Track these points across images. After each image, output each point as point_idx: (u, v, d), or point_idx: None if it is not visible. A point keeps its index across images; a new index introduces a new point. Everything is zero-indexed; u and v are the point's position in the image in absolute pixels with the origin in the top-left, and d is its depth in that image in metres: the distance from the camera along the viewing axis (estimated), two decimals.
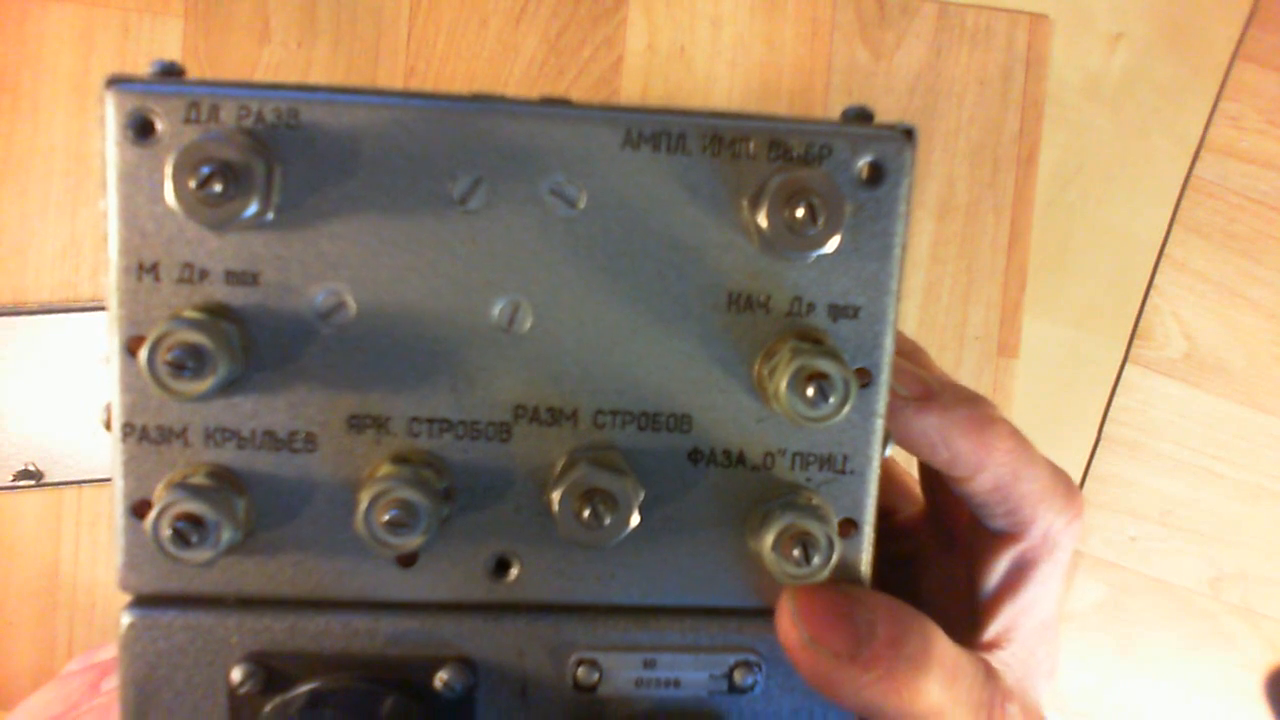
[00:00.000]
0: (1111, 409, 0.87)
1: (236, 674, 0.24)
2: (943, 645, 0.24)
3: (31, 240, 0.73)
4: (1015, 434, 0.27)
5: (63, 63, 0.73)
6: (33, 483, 0.73)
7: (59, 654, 0.74)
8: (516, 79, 0.78)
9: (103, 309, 0.73)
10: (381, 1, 0.76)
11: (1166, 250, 0.86)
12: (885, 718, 0.23)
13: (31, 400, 0.72)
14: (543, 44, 0.78)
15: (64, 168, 0.73)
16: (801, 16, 0.80)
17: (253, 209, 0.21)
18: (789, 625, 0.23)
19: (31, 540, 0.73)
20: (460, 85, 0.77)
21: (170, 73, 0.23)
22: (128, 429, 0.23)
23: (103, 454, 0.72)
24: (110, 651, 0.39)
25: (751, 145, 0.23)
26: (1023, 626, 0.28)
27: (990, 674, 0.25)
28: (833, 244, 0.22)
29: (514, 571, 0.25)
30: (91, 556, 0.74)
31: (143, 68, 0.23)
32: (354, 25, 0.76)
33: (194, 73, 0.26)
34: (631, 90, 0.79)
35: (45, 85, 0.72)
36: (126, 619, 0.24)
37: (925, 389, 0.26)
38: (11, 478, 0.72)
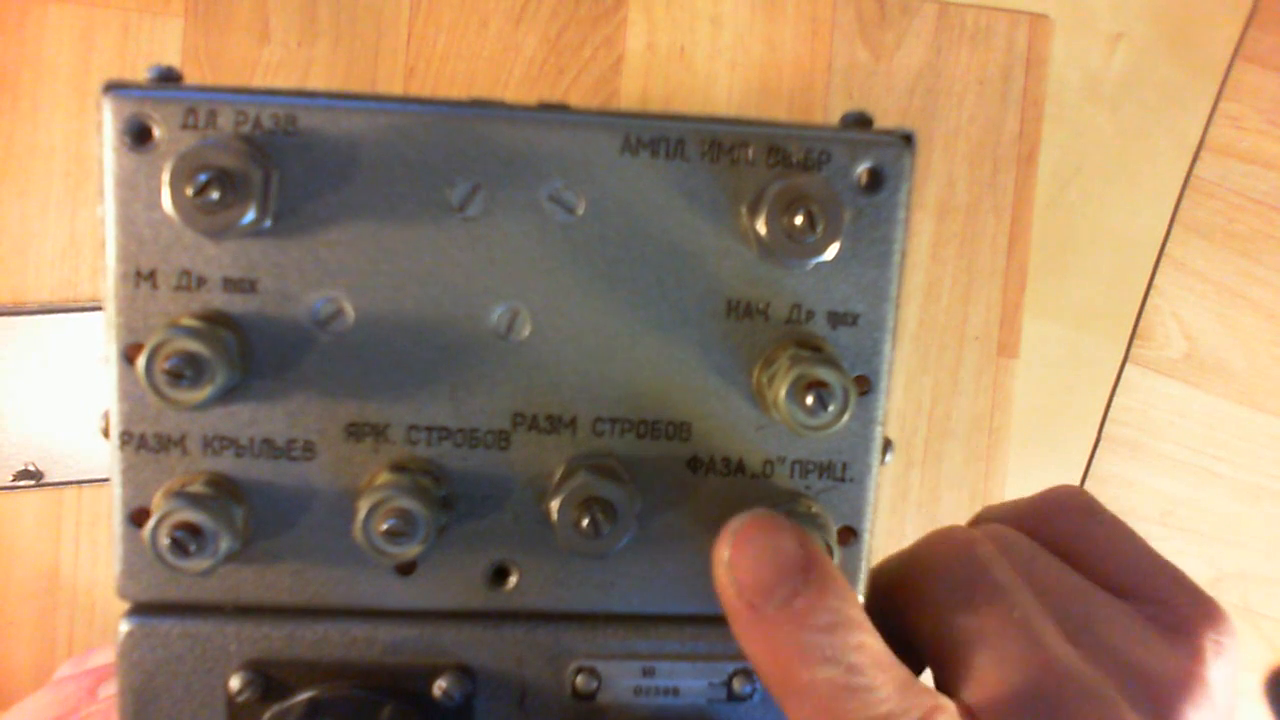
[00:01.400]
0: (1111, 409, 0.87)
1: (235, 682, 0.24)
2: (858, 659, 0.21)
3: (31, 240, 0.73)
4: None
5: (63, 63, 0.72)
6: (33, 483, 0.73)
7: (59, 654, 0.74)
8: (516, 79, 0.78)
9: (103, 309, 0.73)
10: (381, 1, 0.76)
11: (1166, 250, 0.86)
12: (761, 678, 0.22)
13: (31, 400, 0.72)
14: (543, 44, 0.78)
15: (64, 168, 0.73)
16: (801, 16, 0.80)
17: (250, 216, 0.21)
18: (724, 538, 0.22)
19: (31, 540, 0.73)
20: (460, 85, 0.77)
21: (168, 78, 0.23)
22: (126, 437, 0.23)
23: (103, 454, 0.72)
24: (103, 656, 0.39)
25: (750, 151, 0.23)
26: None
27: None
28: (832, 251, 0.22)
29: (512, 580, 0.25)
30: (91, 556, 0.74)
31: (143, 68, 0.23)
32: (354, 25, 0.76)
33: (194, 73, 0.25)
34: (631, 90, 0.79)
35: (45, 85, 0.72)
36: (125, 627, 0.24)
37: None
38: (11, 478, 0.72)
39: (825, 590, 0.21)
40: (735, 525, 0.22)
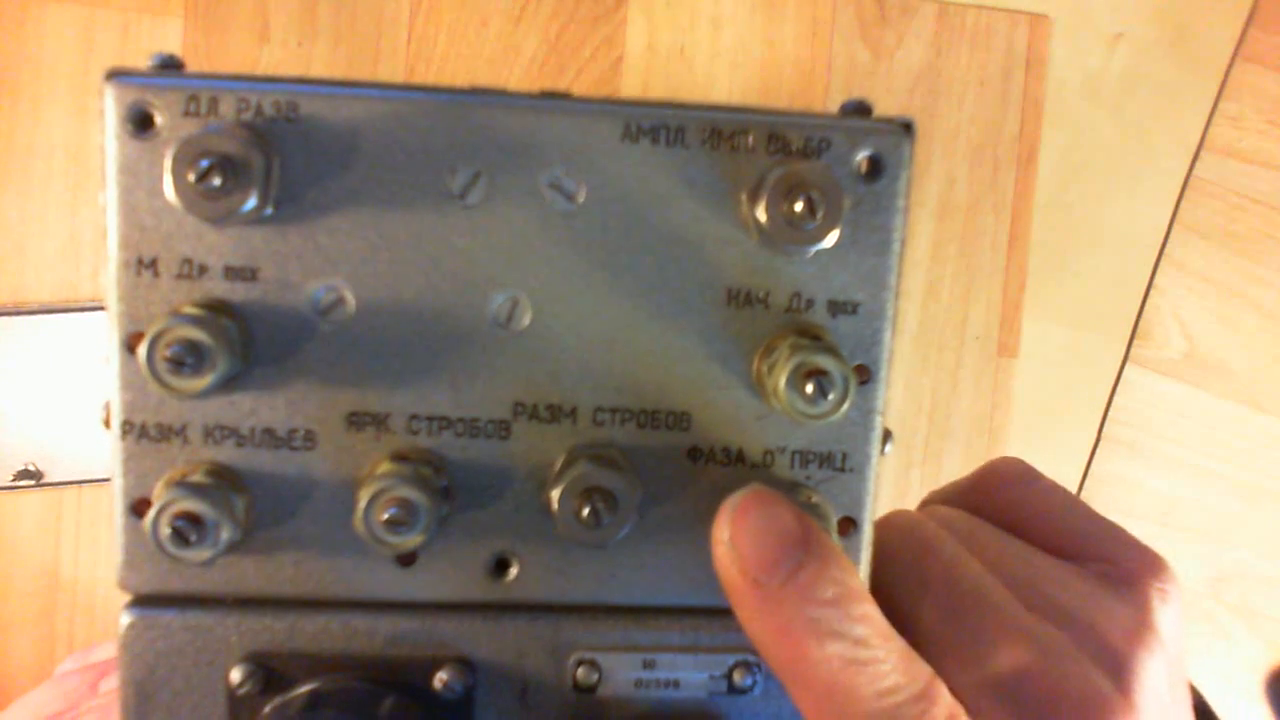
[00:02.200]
0: (1111, 409, 0.87)
1: (236, 674, 0.24)
2: (865, 631, 0.21)
3: (31, 240, 0.73)
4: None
5: (63, 62, 0.73)
6: (33, 483, 0.73)
7: (59, 654, 0.74)
8: (516, 79, 0.78)
9: (103, 309, 0.73)
10: (381, 2, 0.76)
11: (1166, 250, 0.86)
12: (767, 660, 0.22)
13: (31, 400, 0.72)
14: (543, 44, 0.78)
15: (64, 167, 0.73)
16: (801, 16, 0.80)
17: (252, 203, 0.21)
18: (723, 517, 0.22)
19: (31, 540, 0.73)
20: (460, 84, 0.77)
21: (169, 66, 0.23)
22: (127, 427, 0.23)
23: (103, 454, 0.72)
24: (105, 651, 0.39)
25: (750, 138, 0.23)
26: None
27: (929, 696, 0.21)
28: (831, 238, 0.22)
29: (513, 571, 0.24)
30: (91, 556, 0.74)
31: (142, 67, 0.23)
32: (354, 25, 0.76)
33: None
34: (631, 90, 0.79)
35: (45, 85, 0.72)
36: (126, 619, 0.24)
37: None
38: (11, 478, 0.72)
39: (828, 561, 0.21)
40: (733, 503, 0.22)
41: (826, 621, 0.21)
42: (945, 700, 0.21)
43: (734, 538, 0.21)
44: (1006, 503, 0.29)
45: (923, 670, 0.21)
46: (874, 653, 0.21)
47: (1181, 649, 0.26)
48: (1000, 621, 0.24)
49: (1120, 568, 0.26)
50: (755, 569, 0.21)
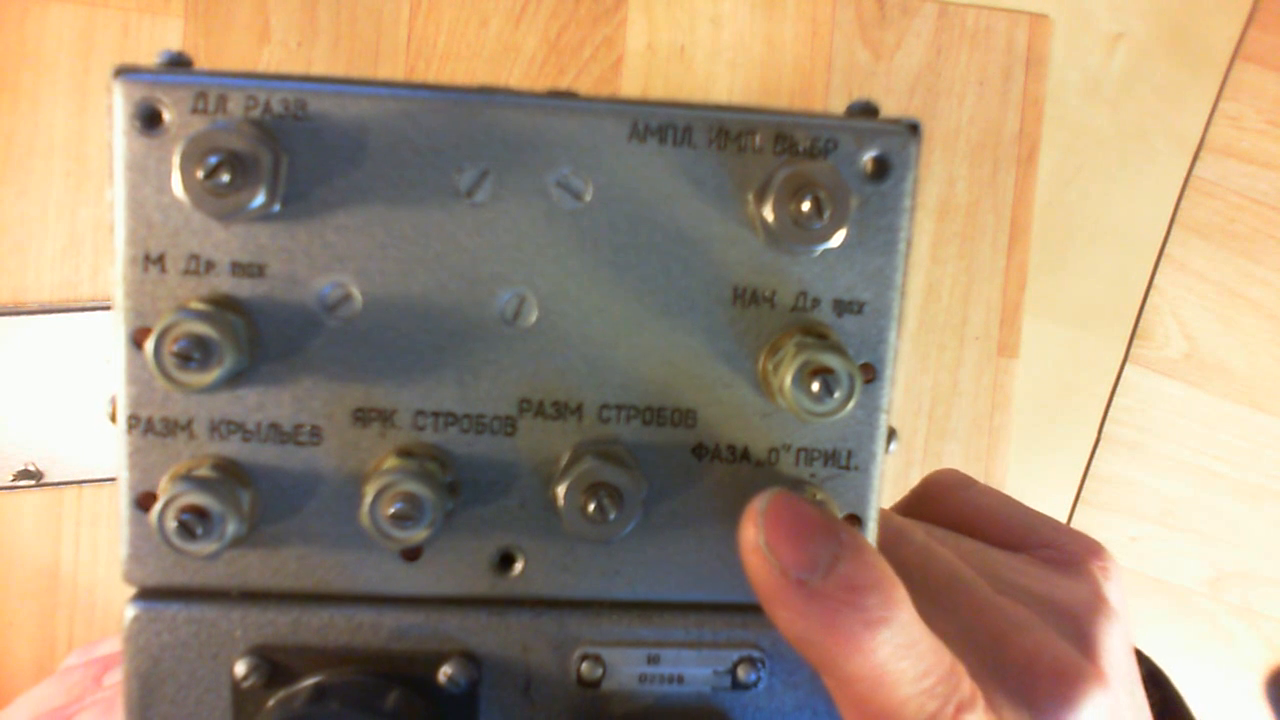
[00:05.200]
0: (1111, 409, 0.87)
1: (240, 667, 0.24)
2: (905, 615, 0.21)
3: (31, 240, 0.73)
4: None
5: (63, 63, 0.73)
6: (33, 483, 0.73)
7: (59, 653, 0.74)
8: (516, 79, 0.78)
9: (103, 309, 0.73)
10: (381, 2, 0.76)
11: (1166, 250, 0.86)
12: (813, 658, 0.22)
13: (31, 400, 0.72)
14: (543, 44, 0.78)
15: (64, 168, 0.72)
16: (801, 16, 0.80)
17: (260, 200, 0.21)
18: (751, 522, 0.22)
19: (31, 540, 0.73)
20: (463, 83, 0.77)
21: (178, 63, 0.23)
22: (133, 421, 0.23)
23: (102, 453, 0.72)
24: (110, 646, 0.39)
25: (757, 138, 0.23)
26: None
27: (955, 674, 0.22)
28: (838, 238, 0.22)
29: (518, 566, 0.25)
30: (91, 556, 0.74)
31: (150, 64, 0.23)
32: (354, 25, 0.76)
33: None
34: (631, 90, 0.79)
35: (45, 85, 0.72)
36: (131, 612, 0.24)
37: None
38: (11, 478, 0.72)
39: (863, 550, 0.22)
40: (759, 506, 0.22)
41: (873, 609, 0.21)
42: (967, 677, 0.22)
43: (770, 539, 0.21)
44: (950, 508, 0.32)
45: (946, 650, 0.22)
46: (914, 636, 0.21)
47: (1129, 620, 0.28)
48: (974, 601, 0.26)
49: (1063, 552, 0.29)
50: (796, 568, 0.21)
